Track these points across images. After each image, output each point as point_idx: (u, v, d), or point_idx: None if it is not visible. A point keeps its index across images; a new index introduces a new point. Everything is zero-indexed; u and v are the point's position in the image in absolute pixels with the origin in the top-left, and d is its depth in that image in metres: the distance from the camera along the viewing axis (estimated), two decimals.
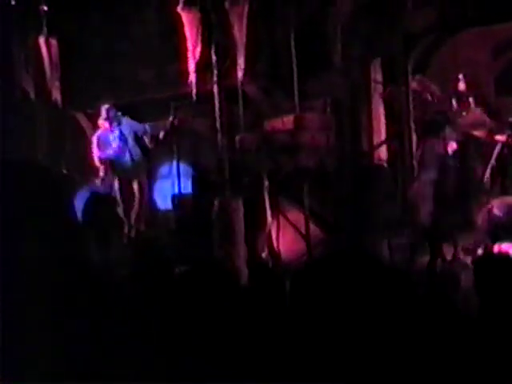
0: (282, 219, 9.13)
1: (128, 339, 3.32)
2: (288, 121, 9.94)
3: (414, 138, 10.72)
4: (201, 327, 3.33)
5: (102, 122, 10.46)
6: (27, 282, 3.25)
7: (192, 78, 9.43)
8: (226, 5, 9.22)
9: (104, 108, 10.43)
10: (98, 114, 10.65)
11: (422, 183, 9.21)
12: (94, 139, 10.51)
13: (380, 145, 10.75)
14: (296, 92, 9.78)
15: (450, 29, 10.58)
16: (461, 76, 10.58)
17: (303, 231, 9.14)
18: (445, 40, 10.94)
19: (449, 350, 3.28)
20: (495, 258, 4.80)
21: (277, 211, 9.15)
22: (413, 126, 10.83)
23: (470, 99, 10.67)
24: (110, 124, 10.37)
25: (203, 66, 9.35)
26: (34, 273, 3.27)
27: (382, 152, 10.81)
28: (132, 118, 10.68)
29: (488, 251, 8.52)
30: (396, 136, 10.73)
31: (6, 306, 3.12)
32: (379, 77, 10.76)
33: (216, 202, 8.93)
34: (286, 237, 9.09)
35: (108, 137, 10.43)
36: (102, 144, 10.40)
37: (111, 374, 3.15)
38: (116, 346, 3.26)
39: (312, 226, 9.21)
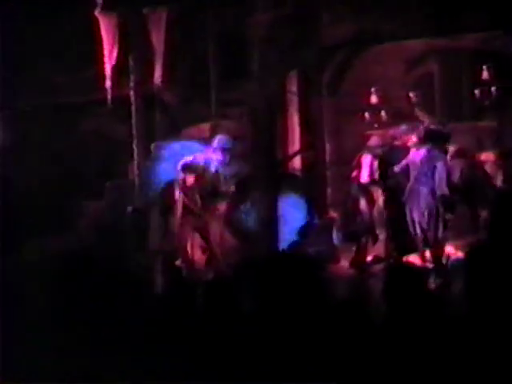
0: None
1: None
2: (205, 128, 9.82)
3: (327, 147, 10.76)
4: (116, 334, 3.39)
5: (214, 153, 9.18)
6: (27, 283, 3.39)
7: (108, 83, 9.15)
8: (145, 11, 8.99)
9: (218, 138, 9.27)
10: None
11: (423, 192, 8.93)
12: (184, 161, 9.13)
13: (295, 154, 10.72)
14: (213, 100, 9.66)
15: (363, 43, 10.64)
16: (373, 90, 10.65)
17: (217, 239, 9.02)
18: (359, 54, 11.01)
19: (361, 352, 3.27)
20: (404, 268, 4.82)
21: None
22: (326, 136, 10.88)
23: (382, 112, 10.77)
24: (223, 156, 9.19)
25: (120, 72, 9.10)
26: (34, 275, 3.44)
27: (297, 161, 10.80)
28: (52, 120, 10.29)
29: (398, 261, 8.59)
30: (310, 146, 10.74)
31: (6, 306, 3.21)
32: (295, 88, 10.75)
33: (129, 210, 8.72)
34: (200, 245, 8.95)
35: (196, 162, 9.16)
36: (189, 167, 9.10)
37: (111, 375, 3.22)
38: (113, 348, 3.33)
39: (226, 234, 9.09)
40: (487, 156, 10.04)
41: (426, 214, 8.67)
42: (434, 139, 8.89)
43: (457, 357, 2.97)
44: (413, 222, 8.75)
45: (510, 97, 10.27)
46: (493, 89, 10.70)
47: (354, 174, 9.34)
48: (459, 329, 2.90)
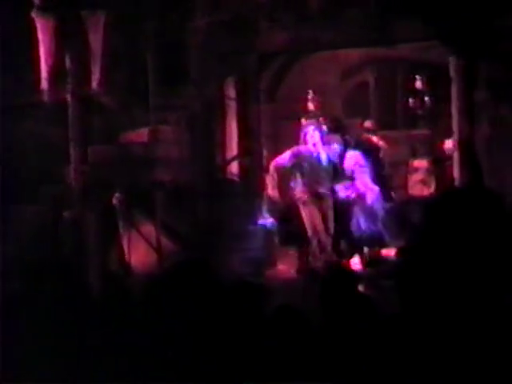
0: (134, 232, 8.91)
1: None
2: (143, 133, 9.74)
3: (265, 153, 10.80)
4: (54, 337, 3.30)
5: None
6: (27, 283, 3.38)
7: (44, 85, 8.98)
8: (83, 13, 8.85)
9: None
10: None
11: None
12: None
13: (232, 160, 10.73)
14: (151, 105, 9.59)
15: (301, 51, 10.70)
16: (310, 95, 10.68)
17: (155, 244, 8.96)
18: (297, 61, 11.08)
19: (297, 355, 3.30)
20: (340, 271, 4.87)
21: (129, 224, 8.92)
22: (264, 142, 10.92)
23: (320, 118, 10.83)
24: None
25: (57, 74, 8.94)
26: (34, 275, 3.42)
27: (234, 167, 10.80)
28: None
29: (335, 265, 8.67)
30: (248, 151, 10.76)
31: (6, 307, 3.18)
32: (233, 93, 10.75)
33: (66, 215, 8.59)
34: (138, 250, 8.87)
35: None
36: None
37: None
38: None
39: (164, 240, 9.03)
40: (420, 163, 10.23)
41: (378, 217, 8.96)
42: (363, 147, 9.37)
43: (390, 359, 3.01)
44: (359, 224, 8.97)
45: (443, 105, 10.48)
46: (426, 98, 10.92)
47: None
48: (392, 331, 2.95)
